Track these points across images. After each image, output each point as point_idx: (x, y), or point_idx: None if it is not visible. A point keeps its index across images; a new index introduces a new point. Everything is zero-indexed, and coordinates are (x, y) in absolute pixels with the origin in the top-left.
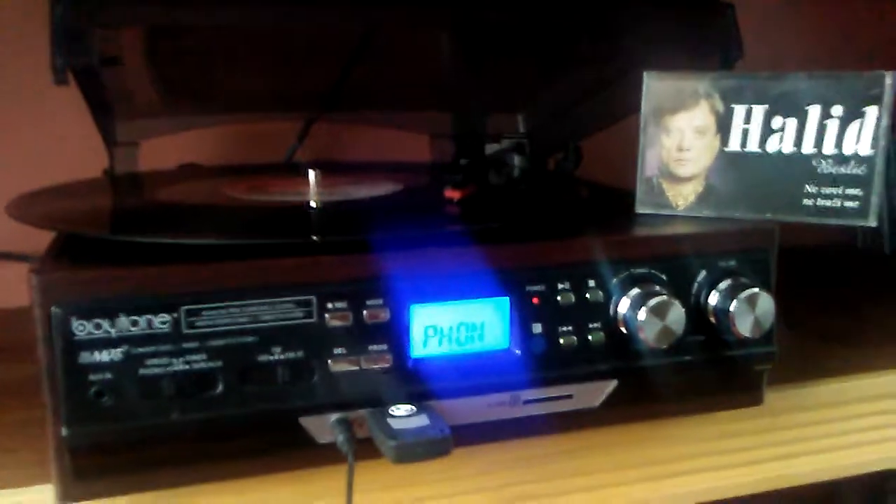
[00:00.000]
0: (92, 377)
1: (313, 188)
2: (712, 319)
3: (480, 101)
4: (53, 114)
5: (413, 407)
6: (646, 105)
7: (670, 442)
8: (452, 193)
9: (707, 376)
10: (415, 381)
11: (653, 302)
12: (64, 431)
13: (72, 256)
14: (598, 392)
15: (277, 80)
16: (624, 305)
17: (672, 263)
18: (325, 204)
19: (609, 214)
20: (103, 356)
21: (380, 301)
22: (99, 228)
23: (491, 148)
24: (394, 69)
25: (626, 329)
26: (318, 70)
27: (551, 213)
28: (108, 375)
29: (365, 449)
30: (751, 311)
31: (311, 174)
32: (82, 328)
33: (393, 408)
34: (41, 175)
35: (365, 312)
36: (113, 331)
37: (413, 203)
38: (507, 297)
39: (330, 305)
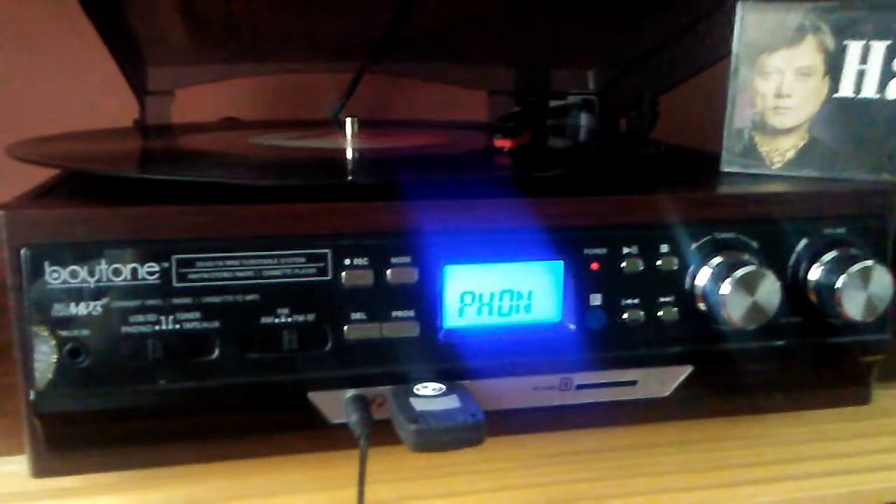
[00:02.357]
0: (66, 333)
1: (348, 137)
2: (813, 297)
3: (545, 54)
4: (91, 62)
5: (442, 386)
6: (738, 42)
7: (752, 443)
8: (503, 142)
9: (803, 366)
10: (446, 356)
11: (740, 273)
12: (32, 395)
13: (55, 195)
14: (667, 379)
15: (323, 26)
16: (703, 276)
17: (765, 228)
18: (354, 151)
19: (689, 172)
20: (80, 309)
21: (407, 259)
22: (86, 164)
23: (555, 104)
24: (450, 16)
25: (706, 305)
26: (369, 15)
27: (619, 166)
28: (85, 332)
29: (384, 432)
30: (862, 289)
31: (349, 122)
32: (56, 275)
33: (418, 386)
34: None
35: (389, 272)
36: (92, 280)
37: (456, 153)
38: (561, 261)
39: (347, 261)
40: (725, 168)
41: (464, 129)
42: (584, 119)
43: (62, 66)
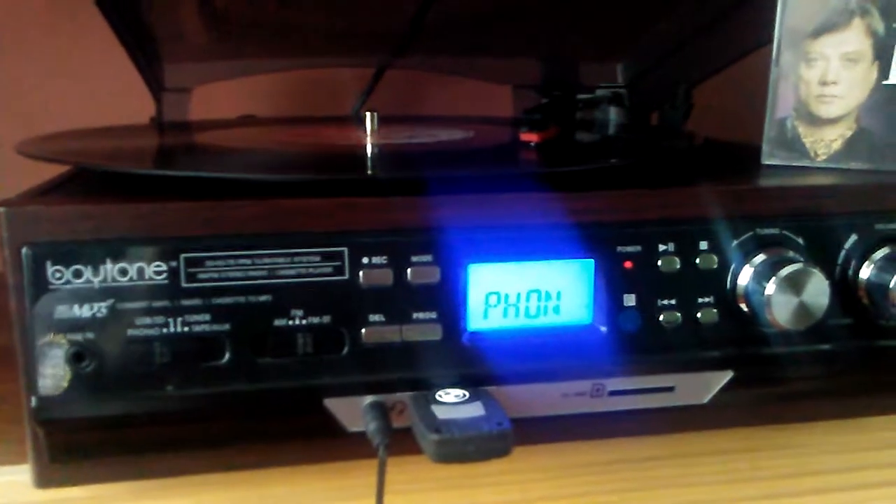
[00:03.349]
0: (70, 336)
1: (368, 132)
2: (864, 298)
3: (572, 46)
4: (109, 59)
5: (465, 392)
6: (781, 26)
7: (797, 452)
8: (529, 136)
9: (852, 371)
10: (469, 361)
11: (786, 271)
12: (34, 402)
13: (59, 191)
14: (706, 385)
15: (344, 19)
16: (746, 275)
17: (812, 224)
18: (374, 146)
19: (727, 165)
20: (84, 311)
21: (428, 257)
22: (91, 160)
23: (583, 98)
24: (474, 7)
25: (748, 306)
26: (390, 8)
27: (654, 158)
28: (90, 335)
29: (404, 441)
30: None
31: (368, 116)
32: (59, 275)
33: (440, 392)
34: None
35: (409, 271)
36: (96, 280)
37: (481, 148)
38: (592, 259)
39: (365, 260)
40: (766, 160)
41: (488, 124)
42: (613, 113)
43: (79, 64)
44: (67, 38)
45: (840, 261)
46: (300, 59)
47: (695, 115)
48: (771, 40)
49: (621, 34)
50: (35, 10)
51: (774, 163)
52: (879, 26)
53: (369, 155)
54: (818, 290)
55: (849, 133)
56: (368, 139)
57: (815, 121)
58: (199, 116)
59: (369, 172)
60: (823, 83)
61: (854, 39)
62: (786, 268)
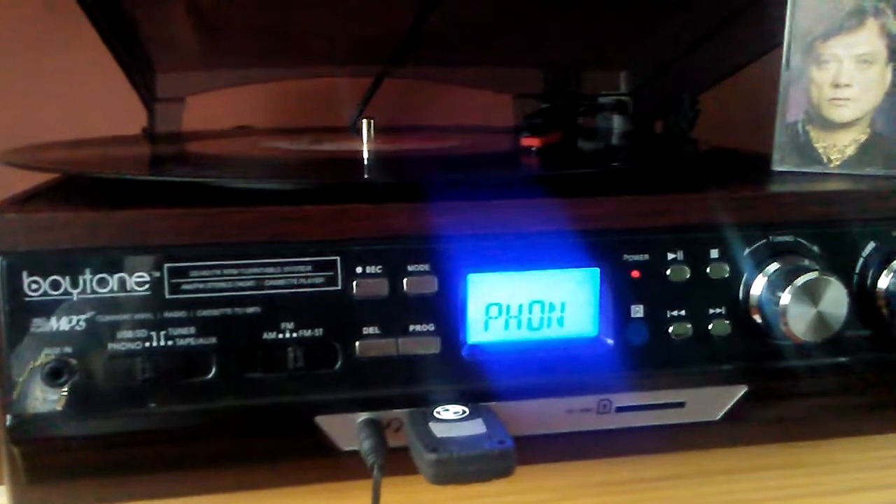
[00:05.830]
0: (47, 351)
1: (364, 140)
2: (883, 308)
3: (575, 54)
4: (104, 69)
5: (465, 409)
6: (791, 28)
7: (812, 471)
8: (530, 141)
9: (870, 386)
10: (469, 376)
11: (802, 280)
12: (9, 420)
13: (40, 199)
14: (719, 401)
15: (340, 28)
16: (759, 285)
17: (827, 231)
18: (369, 153)
19: (737, 172)
20: (62, 324)
21: (426, 266)
22: (73, 167)
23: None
24: (475, 16)
25: (761, 317)
26: (389, 16)
27: (661, 164)
28: (68, 350)
29: (401, 460)
30: None
31: (364, 124)
32: (36, 286)
33: (439, 409)
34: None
35: (405, 281)
36: (75, 292)
37: (480, 153)
38: (598, 268)
39: (359, 270)
40: (777, 167)
41: (491, 132)
42: (616, 121)
43: (68, 75)
44: (56, 48)
45: (857, 269)
46: (296, 67)
47: (698, 123)
48: (780, 44)
49: (625, 42)
50: (24, 20)
51: (785, 169)
52: (894, 27)
53: (365, 161)
54: (836, 299)
55: (863, 138)
56: (365, 147)
57: (828, 125)
58: (193, 127)
59: (364, 178)
60: (836, 86)
61: (868, 40)
62: (802, 276)
